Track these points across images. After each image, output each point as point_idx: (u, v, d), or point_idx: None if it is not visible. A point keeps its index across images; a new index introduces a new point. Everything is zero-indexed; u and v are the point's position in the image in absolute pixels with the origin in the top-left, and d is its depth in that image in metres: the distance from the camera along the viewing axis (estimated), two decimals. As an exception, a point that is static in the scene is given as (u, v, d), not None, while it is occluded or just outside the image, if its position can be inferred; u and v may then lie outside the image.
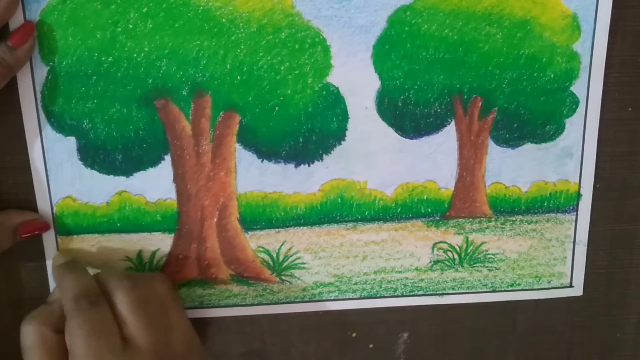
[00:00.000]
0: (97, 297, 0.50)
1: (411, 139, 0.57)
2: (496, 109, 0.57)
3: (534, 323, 0.64)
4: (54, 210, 0.55)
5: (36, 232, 0.55)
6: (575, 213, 0.60)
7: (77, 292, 0.50)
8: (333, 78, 0.54)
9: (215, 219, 0.57)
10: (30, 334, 0.50)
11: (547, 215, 0.60)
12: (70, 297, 0.50)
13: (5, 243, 0.53)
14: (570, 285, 0.62)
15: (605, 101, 0.58)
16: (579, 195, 0.60)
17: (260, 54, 0.53)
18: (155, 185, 0.55)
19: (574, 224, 0.60)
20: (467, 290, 0.61)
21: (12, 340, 0.55)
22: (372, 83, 0.55)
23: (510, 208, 0.59)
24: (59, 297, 0.52)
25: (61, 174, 0.54)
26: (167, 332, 0.52)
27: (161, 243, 0.57)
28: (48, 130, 0.53)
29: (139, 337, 0.50)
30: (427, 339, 0.64)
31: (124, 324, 0.50)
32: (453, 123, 0.57)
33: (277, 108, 0.55)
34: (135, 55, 0.52)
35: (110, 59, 0.52)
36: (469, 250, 0.60)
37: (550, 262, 0.61)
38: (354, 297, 0.60)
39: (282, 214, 0.57)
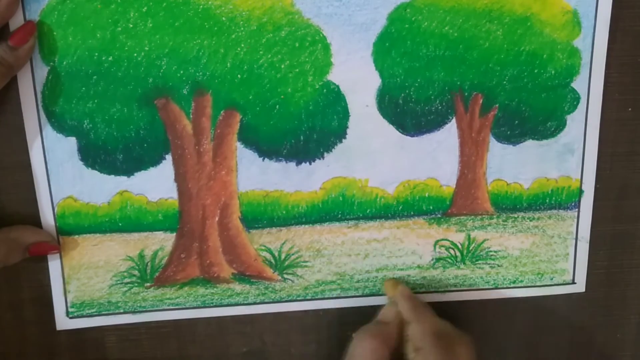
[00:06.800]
0: (453, 341, 0.52)
1: (412, 136, 0.57)
2: (497, 105, 0.57)
3: (534, 323, 0.64)
4: (55, 211, 0.55)
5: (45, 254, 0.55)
6: (577, 209, 0.60)
7: (439, 330, 0.53)
8: (333, 76, 0.54)
9: (217, 218, 0.57)
10: (368, 351, 0.52)
11: (549, 212, 0.60)
12: (432, 332, 0.52)
13: (14, 258, 0.53)
14: (573, 282, 0.62)
15: (605, 101, 0.58)
16: (580, 191, 0.60)
17: (261, 52, 0.53)
18: (157, 184, 0.55)
19: (575, 220, 0.60)
20: (469, 288, 0.61)
21: (12, 340, 0.55)
22: (373, 81, 0.55)
23: (512, 205, 0.59)
24: (394, 320, 0.55)
25: (62, 174, 0.54)
26: None
27: (163, 242, 0.57)
28: (49, 130, 0.53)
29: None
30: (428, 339, 0.63)
31: None
32: (454, 120, 0.57)
33: (277, 106, 0.55)
34: (135, 54, 0.52)
35: (110, 58, 0.52)
36: (470, 248, 0.60)
37: (552, 259, 0.61)
38: (356, 295, 0.60)
39: (284, 212, 0.57)
